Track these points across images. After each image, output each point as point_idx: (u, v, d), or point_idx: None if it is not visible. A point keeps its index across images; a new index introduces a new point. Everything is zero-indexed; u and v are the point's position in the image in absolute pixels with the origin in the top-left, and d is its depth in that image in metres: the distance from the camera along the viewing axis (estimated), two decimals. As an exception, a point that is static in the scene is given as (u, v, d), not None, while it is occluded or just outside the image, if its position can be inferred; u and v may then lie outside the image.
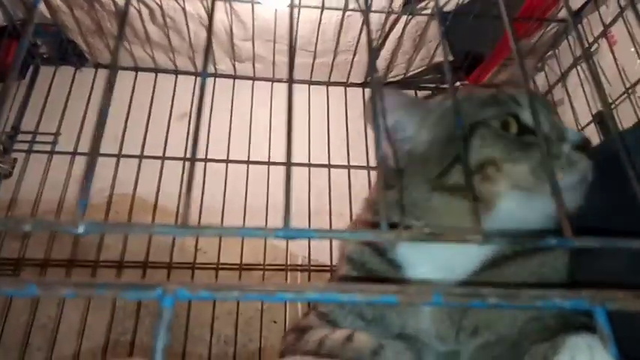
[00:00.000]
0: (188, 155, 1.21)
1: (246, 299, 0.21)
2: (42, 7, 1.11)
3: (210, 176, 1.19)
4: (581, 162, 0.46)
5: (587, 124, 1.13)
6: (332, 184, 1.21)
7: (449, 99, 0.51)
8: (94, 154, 0.27)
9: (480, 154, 0.47)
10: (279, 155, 1.24)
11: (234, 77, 1.34)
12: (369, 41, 0.35)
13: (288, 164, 0.29)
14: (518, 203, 0.45)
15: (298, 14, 1.12)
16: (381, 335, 0.44)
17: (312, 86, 1.35)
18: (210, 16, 0.32)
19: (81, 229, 0.23)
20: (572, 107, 1.17)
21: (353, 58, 1.25)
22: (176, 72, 1.32)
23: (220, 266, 1.12)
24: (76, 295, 0.21)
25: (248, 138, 1.25)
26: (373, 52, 0.38)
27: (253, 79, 1.35)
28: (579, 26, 1.16)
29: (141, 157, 1.20)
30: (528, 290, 0.26)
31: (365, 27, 0.42)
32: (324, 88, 1.35)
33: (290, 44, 0.32)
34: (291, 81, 0.32)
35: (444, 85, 1.32)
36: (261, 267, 1.13)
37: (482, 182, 0.46)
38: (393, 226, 0.42)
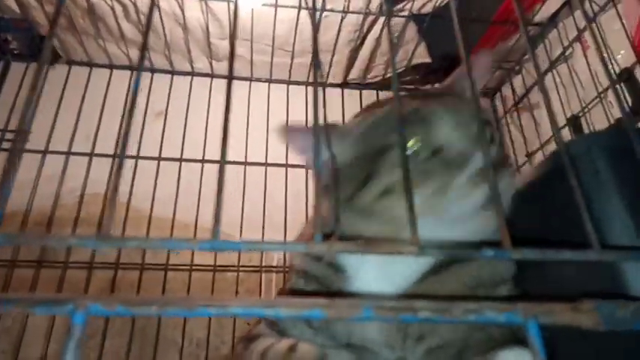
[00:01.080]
0: (165, 154, 1.20)
1: (166, 315, 0.21)
2: (10, 2, 1.09)
3: (187, 175, 1.18)
4: (475, 192, 0.43)
5: (562, 128, 1.13)
6: (309, 186, 1.21)
7: (366, 119, 0.52)
8: (18, 151, 0.26)
9: (384, 179, 0.46)
10: (257, 154, 1.23)
11: (212, 76, 1.33)
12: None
13: (222, 165, 0.28)
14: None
15: (275, 13, 1.11)
16: (329, 344, 0.43)
17: (290, 86, 1.34)
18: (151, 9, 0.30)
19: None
20: (550, 111, 1.18)
21: (331, 59, 1.25)
22: (152, 70, 1.30)
23: (194, 267, 1.10)
24: None
25: (222, 137, 1.24)
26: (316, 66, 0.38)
27: (230, 78, 1.33)
28: (555, 30, 1.17)
29: (114, 156, 1.18)
30: (461, 303, 0.26)
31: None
32: (303, 87, 1.35)
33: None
34: (230, 77, 0.32)
35: (425, 87, 1.32)
36: (236, 268, 1.12)
37: (385, 208, 0.45)
38: (328, 236, 0.42)
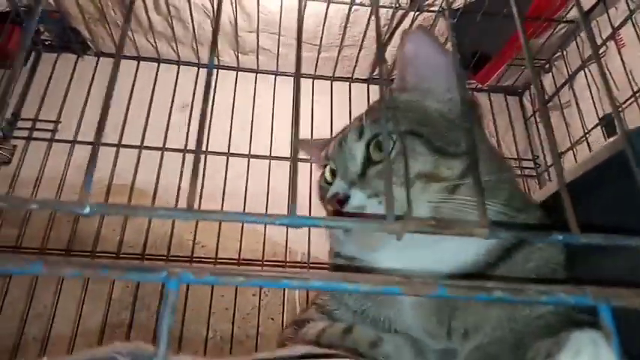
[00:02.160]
0: (191, 147, 1.20)
1: (251, 285, 0.20)
2: (46, -8, 1.10)
3: (211, 168, 1.18)
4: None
5: (594, 127, 1.11)
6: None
7: None
8: (97, 141, 0.26)
9: None
10: (282, 149, 1.23)
11: (237, 69, 1.33)
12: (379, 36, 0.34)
13: (295, 160, 0.27)
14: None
15: (304, 7, 1.11)
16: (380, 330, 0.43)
17: (316, 81, 1.34)
18: (218, 8, 0.30)
19: (86, 210, 0.22)
20: (579, 109, 1.16)
21: (358, 54, 1.24)
22: (179, 62, 1.31)
23: (218, 260, 1.10)
24: (81, 274, 0.20)
25: (250, 131, 1.24)
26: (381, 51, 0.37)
27: (257, 71, 1.34)
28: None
29: (141, 147, 1.19)
30: (533, 285, 0.25)
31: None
32: (328, 82, 1.34)
33: (298, 38, 0.31)
34: (298, 75, 0.31)
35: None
36: (260, 262, 1.12)
37: None
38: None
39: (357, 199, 0.46)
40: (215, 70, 1.32)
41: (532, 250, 0.45)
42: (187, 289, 1.06)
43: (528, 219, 0.47)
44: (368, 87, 1.34)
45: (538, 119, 1.30)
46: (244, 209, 1.13)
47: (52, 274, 0.22)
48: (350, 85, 1.35)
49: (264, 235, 1.15)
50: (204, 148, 1.20)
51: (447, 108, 0.52)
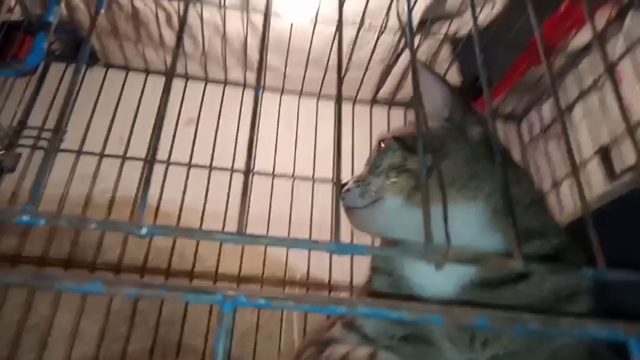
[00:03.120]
0: (196, 161, 1.21)
1: (300, 309, 0.21)
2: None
3: (214, 184, 1.19)
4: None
5: (590, 158, 1.14)
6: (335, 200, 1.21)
7: None
8: (152, 160, 0.27)
9: None
10: (285, 167, 1.24)
11: (245, 86, 1.34)
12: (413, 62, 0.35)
13: (337, 183, 0.29)
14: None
15: (314, 29, 1.13)
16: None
17: (320, 100, 1.36)
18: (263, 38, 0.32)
19: (143, 231, 0.23)
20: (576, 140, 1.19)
21: (364, 75, 1.26)
22: (186, 77, 1.32)
23: (219, 276, 1.10)
24: (137, 294, 0.21)
25: (254, 148, 1.25)
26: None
27: (262, 89, 1.35)
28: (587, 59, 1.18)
29: (146, 160, 1.19)
30: (567, 318, 0.27)
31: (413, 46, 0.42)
32: (331, 103, 1.36)
33: (339, 64, 0.33)
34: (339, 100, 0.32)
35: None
36: (260, 280, 1.12)
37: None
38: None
39: (349, 184, 0.58)
40: (222, 86, 1.33)
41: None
42: (186, 307, 1.05)
43: (548, 244, 0.48)
44: (371, 108, 1.36)
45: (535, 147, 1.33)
46: (267, 230, 1.13)
47: (110, 294, 0.23)
48: (353, 106, 1.37)
49: (265, 253, 1.15)
50: (208, 164, 1.21)
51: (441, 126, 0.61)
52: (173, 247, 1.11)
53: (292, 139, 1.28)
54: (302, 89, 1.34)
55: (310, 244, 0.27)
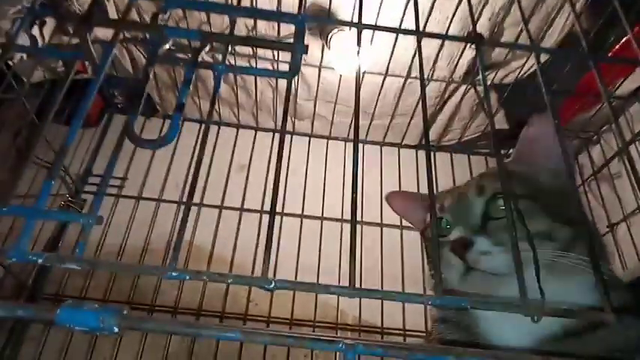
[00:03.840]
0: (248, 205, 1.25)
1: (413, 359, 0.23)
2: (126, 62, 1.21)
3: (264, 229, 1.22)
4: (454, 261, 0.51)
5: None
6: (384, 244, 1.23)
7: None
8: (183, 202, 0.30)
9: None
10: (334, 209, 1.27)
11: (293, 134, 1.40)
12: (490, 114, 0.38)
13: (353, 225, 0.31)
14: None
15: (362, 79, 1.18)
16: None
17: (366, 145, 1.40)
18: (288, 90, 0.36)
19: (271, 285, 0.26)
20: (630, 181, 1.17)
21: (410, 122, 1.30)
22: (238, 126, 1.39)
23: (271, 319, 1.12)
24: (272, 342, 0.24)
25: (303, 193, 1.29)
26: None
27: (310, 135, 1.40)
28: (637, 104, 1.18)
29: (200, 205, 1.24)
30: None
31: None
32: (377, 147, 1.40)
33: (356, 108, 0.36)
34: (356, 141, 0.35)
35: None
36: (312, 323, 1.13)
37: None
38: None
39: (483, 245, 0.50)
40: (271, 134, 1.40)
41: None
42: (241, 350, 1.07)
43: (620, 297, 0.49)
44: (417, 153, 1.39)
45: (587, 189, 1.31)
46: (296, 276, 1.16)
47: (250, 342, 0.26)
48: (399, 150, 1.40)
49: (316, 296, 1.17)
50: (258, 207, 1.25)
51: (556, 182, 0.56)
52: (227, 291, 1.14)
53: (339, 183, 1.32)
54: (348, 135, 1.39)
55: (404, 297, 0.29)
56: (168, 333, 0.26)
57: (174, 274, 0.27)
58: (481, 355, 0.25)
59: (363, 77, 1.19)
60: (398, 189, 1.31)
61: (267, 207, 1.26)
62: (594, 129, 1.28)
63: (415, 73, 1.16)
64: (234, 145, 1.36)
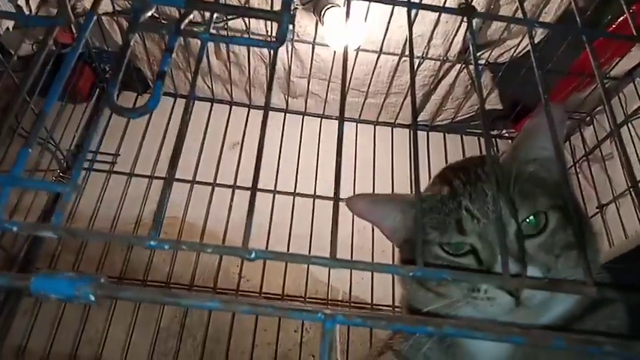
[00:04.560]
0: (240, 183, 1.25)
1: (392, 329, 0.24)
2: (117, 37, 1.19)
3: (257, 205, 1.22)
4: (501, 299, 0.44)
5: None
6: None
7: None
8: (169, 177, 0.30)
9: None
10: (326, 188, 1.27)
11: (286, 111, 1.39)
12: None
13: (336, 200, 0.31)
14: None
15: (356, 57, 1.17)
16: None
17: (359, 124, 1.39)
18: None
19: (252, 255, 0.26)
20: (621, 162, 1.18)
21: (403, 100, 1.29)
22: (231, 103, 1.38)
23: (263, 295, 1.13)
24: (252, 312, 0.24)
25: (296, 170, 1.29)
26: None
27: (304, 114, 1.39)
28: (631, 85, 1.18)
29: (192, 182, 1.24)
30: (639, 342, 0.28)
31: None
32: (371, 126, 1.40)
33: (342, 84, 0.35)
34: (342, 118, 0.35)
35: (492, 132, 1.34)
36: (302, 299, 1.14)
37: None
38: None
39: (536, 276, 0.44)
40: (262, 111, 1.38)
41: (616, 309, 0.47)
42: (232, 323, 1.08)
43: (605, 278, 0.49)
44: (409, 132, 1.39)
45: (578, 170, 1.32)
46: (288, 248, 1.17)
47: (227, 310, 0.26)
48: (392, 130, 1.40)
49: (307, 271, 1.18)
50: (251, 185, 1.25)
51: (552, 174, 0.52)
52: (219, 267, 1.15)
53: (332, 162, 1.31)
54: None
55: (395, 270, 0.29)
56: (145, 302, 0.26)
57: (152, 243, 0.27)
58: (458, 326, 0.26)
59: (357, 55, 1.18)
60: (391, 168, 1.32)
61: (260, 185, 1.26)
62: (588, 110, 1.28)
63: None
64: (227, 123, 1.36)
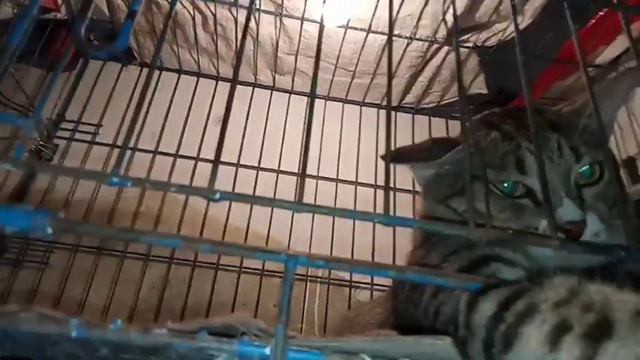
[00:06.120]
0: (224, 159, 1.24)
1: (354, 272, 0.24)
2: (102, 5, 1.17)
3: (241, 179, 1.22)
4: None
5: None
6: (357, 202, 1.24)
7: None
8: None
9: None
10: (309, 167, 1.27)
11: (273, 89, 1.38)
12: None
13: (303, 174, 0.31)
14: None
15: (344, 35, 1.16)
16: None
17: (346, 105, 1.39)
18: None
19: (216, 196, 0.26)
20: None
21: (389, 82, 1.29)
22: (217, 78, 1.37)
23: (243, 269, 1.14)
24: (214, 250, 0.24)
25: (280, 148, 1.29)
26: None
27: (291, 92, 1.39)
28: (615, 73, 1.19)
29: (176, 155, 1.23)
30: None
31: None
32: (357, 107, 1.40)
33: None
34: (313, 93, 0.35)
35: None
36: (281, 274, 1.14)
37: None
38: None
39: (595, 225, 0.46)
40: (251, 88, 1.38)
41: None
42: (211, 297, 1.08)
43: None
44: (396, 114, 1.39)
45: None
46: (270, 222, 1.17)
47: (190, 249, 0.26)
48: (378, 112, 1.40)
49: (288, 246, 1.18)
50: (236, 161, 1.25)
51: None
52: (201, 235, 1.14)
53: (316, 141, 1.31)
54: (329, 93, 1.38)
55: (366, 216, 0.29)
56: (105, 237, 0.26)
57: (115, 179, 0.27)
58: (420, 272, 0.26)
59: (345, 33, 1.17)
60: (375, 150, 1.32)
61: (243, 161, 1.26)
62: (569, 98, 1.29)
63: (398, 30, 1.14)
64: (213, 98, 1.34)
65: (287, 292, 0.24)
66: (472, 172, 0.49)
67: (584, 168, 0.49)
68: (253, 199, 0.29)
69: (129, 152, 1.23)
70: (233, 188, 1.21)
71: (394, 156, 0.58)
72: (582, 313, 0.27)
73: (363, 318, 0.77)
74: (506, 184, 0.50)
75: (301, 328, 1.13)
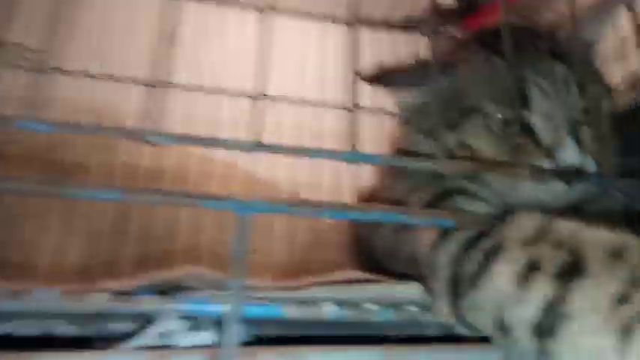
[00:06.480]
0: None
1: (318, 216, 0.23)
2: None
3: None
4: (556, 186, 0.42)
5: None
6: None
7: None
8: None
9: (464, 135, 0.46)
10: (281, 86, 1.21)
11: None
12: None
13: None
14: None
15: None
16: None
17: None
18: None
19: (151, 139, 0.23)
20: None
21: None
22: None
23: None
24: (162, 202, 0.22)
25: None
26: None
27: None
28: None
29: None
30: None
31: None
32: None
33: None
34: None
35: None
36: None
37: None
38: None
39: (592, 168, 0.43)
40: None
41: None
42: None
43: None
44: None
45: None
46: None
47: (128, 200, 0.24)
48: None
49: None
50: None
51: None
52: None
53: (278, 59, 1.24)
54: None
55: (331, 154, 0.27)
56: (28, 194, 0.23)
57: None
58: (384, 210, 0.25)
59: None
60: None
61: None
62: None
63: None
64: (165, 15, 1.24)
65: (243, 243, 0.22)
66: (469, 102, 0.46)
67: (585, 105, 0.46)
68: (202, 141, 0.26)
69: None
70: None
71: (374, 77, 0.52)
72: (553, 250, 0.26)
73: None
74: (504, 119, 0.46)
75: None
